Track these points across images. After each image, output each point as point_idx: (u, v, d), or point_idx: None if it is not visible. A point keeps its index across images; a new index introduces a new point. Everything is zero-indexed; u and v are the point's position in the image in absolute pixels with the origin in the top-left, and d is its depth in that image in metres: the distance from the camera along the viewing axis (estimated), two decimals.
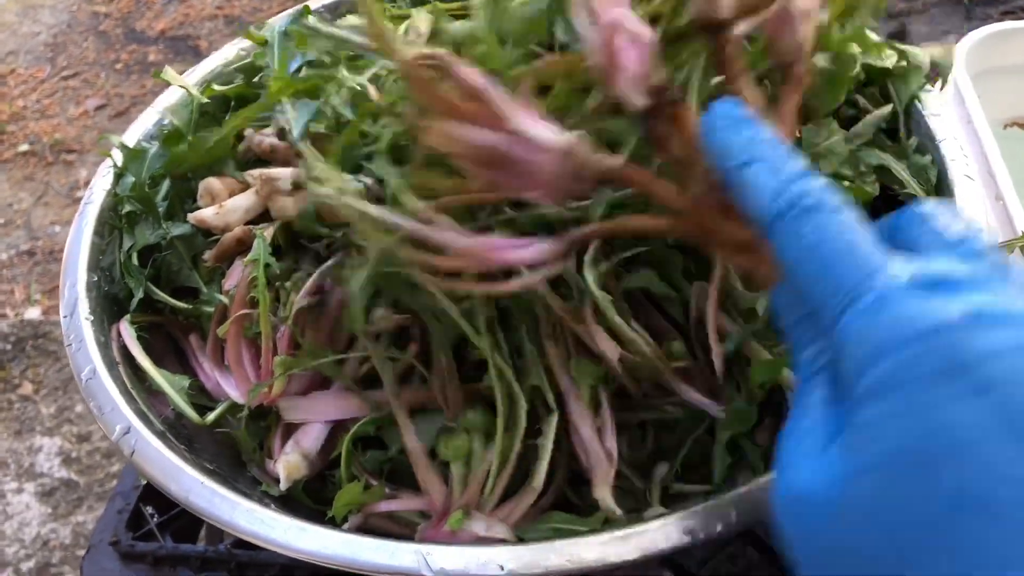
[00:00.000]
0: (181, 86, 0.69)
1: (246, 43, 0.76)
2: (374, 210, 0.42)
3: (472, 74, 0.40)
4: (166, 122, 0.68)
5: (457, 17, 0.62)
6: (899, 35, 2.00)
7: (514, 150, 0.39)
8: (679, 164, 0.39)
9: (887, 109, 0.63)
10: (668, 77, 0.40)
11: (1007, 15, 1.95)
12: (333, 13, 0.80)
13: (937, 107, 0.63)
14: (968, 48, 0.86)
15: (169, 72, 0.68)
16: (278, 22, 0.68)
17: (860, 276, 0.29)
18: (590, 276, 0.49)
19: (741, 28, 0.42)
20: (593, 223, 0.43)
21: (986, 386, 0.25)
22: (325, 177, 0.46)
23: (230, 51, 0.76)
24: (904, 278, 0.28)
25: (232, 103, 0.69)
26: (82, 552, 1.29)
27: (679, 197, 0.39)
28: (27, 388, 1.54)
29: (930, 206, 0.32)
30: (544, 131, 0.39)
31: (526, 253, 0.41)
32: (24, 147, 2.13)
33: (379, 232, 0.42)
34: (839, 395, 0.30)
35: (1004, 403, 0.25)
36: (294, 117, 0.58)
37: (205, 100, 0.69)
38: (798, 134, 0.48)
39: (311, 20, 0.65)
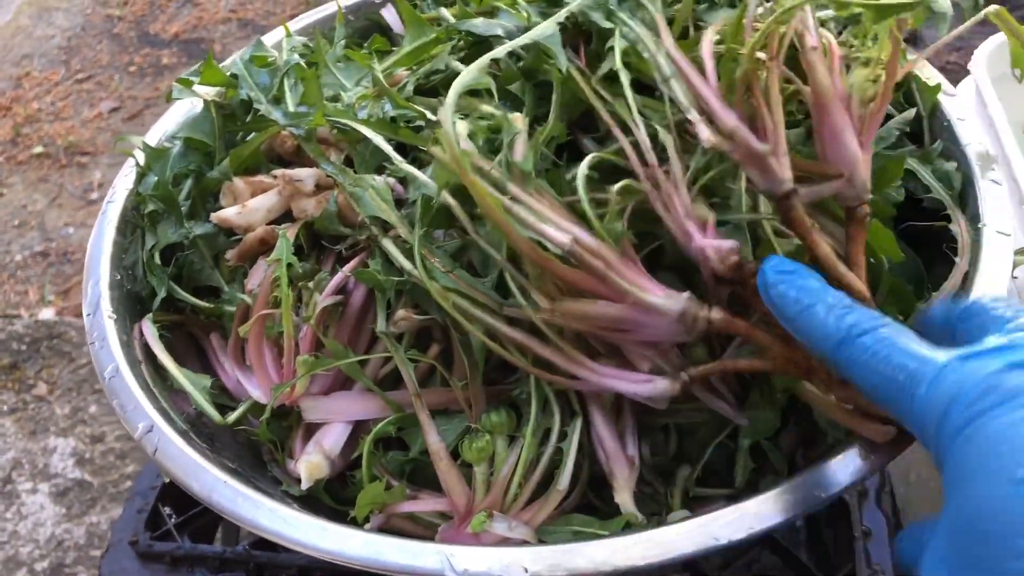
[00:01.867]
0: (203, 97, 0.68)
1: (275, 55, 0.76)
2: (507, 329, 0.49)
3: (595, 258, 0.46)
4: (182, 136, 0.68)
5: (481, 15, 0.63)
6: (911, 39, 2.00)
7: (636, 317, 0.46)
8: (766, 316, 0.46)
9: (911, 113, 0.63)
10: (742, 256, 0.47)
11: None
12: (356, 14, 0.80)
13: (962, 111, 0.62)
14: (988, 52, 0.86)
15: (192, 86, 0.68)
16: (237, 55, 0.69)
17: (918, 364, 0.37)
18: None
19: (804, 194, 0.47)
20: (711, 363, 0.49)
21: None
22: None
23: (247, 53, 0.76)
24: (952, 357, 0.36)
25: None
26: (96, 552, 1.29)
27: (774, 341, 0.46)
28: (42, 388, 1.54)
29: (988, 299, 0.41)
30: (659, 299, 0.46)
31: (645, 389, 0.48)
32: (38, 149, 2.14)
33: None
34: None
35: None
36: None
37: (224, 103, 0.68)
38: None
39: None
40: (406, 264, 0.52)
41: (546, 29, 0.53)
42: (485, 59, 0.48)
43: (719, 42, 0.51)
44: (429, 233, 0.51)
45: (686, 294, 0.47)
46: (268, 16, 2.49)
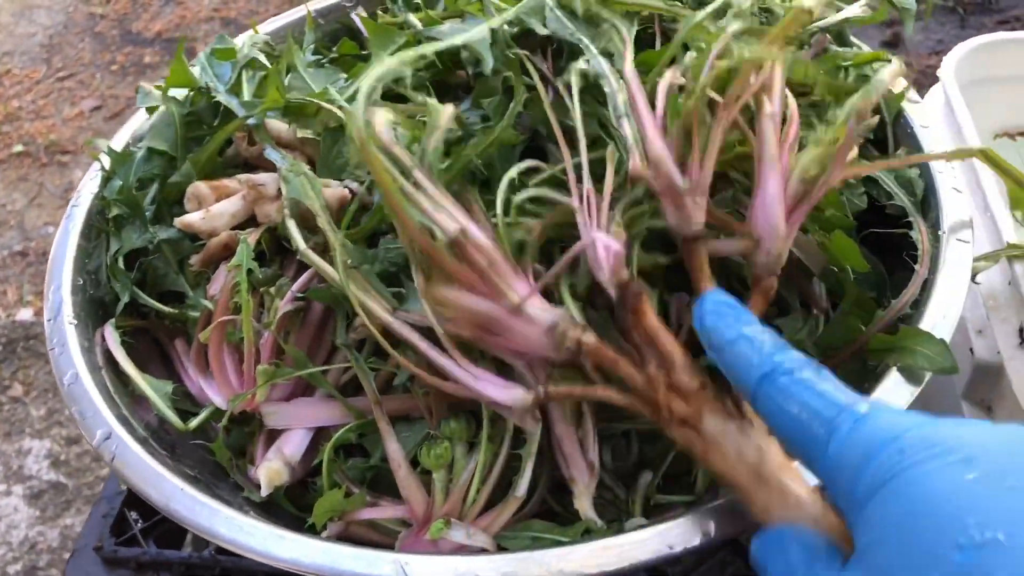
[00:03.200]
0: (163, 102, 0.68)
1: (239, 46, 0.76)
2: (399, 326, 0.49)
3: (479, 253, 0.45)
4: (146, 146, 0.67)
5: (449, 18, 0.63)
6: (893, 44, 2.01)
7: (507, 320, 0.46)
8: (639, 348, 0.45)
9: (874, 120, 0.63)
10: (630, 276, 0.47)
11: (1002, 25, 1.96)
12: (326, 18, 0.80)
13: (925, 118, 0.63)
14: (958, 58, 0.86)
15: (152, 92, 0.68)
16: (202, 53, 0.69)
17: (835, 412, 0.34)
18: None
19: (712, 243, 0.47)
20: (563, 387, 0.48)
21: (965, 456, 0.29)
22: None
23: (211, 47, 0.76)
24: (868, 407, 0.34)
25: (222, 108, 0.69)
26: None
27: (637, 375, 0.45)
28: (17, 390, 1.53)
29: None
30: (535, 308, 0.46)
31: (503, 395, 0.47)
32: (18, 148, 2.12)
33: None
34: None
35: (981, 465, 0.29)
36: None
37: (187, 111, 0.68)
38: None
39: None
40: (317, 261, 0.52)
41: (478, 32, 0.54)
42: (410, 53, 0.48)
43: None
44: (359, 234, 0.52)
45: (562, 310, 0.47)
46: (251, 15, 2.48)
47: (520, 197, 0.49)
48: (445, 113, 0.47)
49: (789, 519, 0.37)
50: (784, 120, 0.49)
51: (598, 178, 0.53)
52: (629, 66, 0.51)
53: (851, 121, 0.47)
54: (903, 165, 0.58)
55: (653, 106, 0.49)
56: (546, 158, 0.58)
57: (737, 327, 0.40)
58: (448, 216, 0.45)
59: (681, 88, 0.50)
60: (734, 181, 0.54)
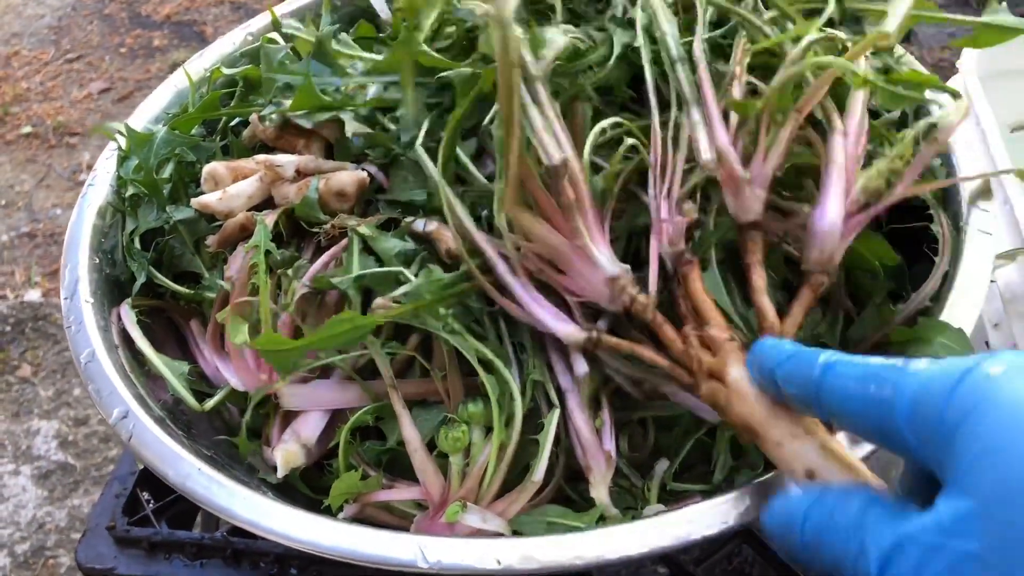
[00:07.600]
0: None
1: (253, 28, 0.76)
2: (481, 239, 0.51)
3: (570, 188, 0.47)
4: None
5: None
6: (905, 36, 2.00)
7: (574, 260, 0.48)
8: (683, 315, 0.48)
9: (896, 113, 0.63)
10: (686, 246, 0.49)
11: None
12: (343, 0, 0.79)
13: None
14: (978, 51, 0.85)
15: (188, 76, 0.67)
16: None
17: (896, 373, 0.34)
18: None
19: (770, 228, 0.50)
20: (612, 339, 0.49)
21: None
22: None
23: (238, 36, 0.76)
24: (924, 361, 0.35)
25: (237, 91, 0.69)
26: (77, 535, 1.29)
27: (676, 339, 0.47)
28: (26, 370, 1.53)
29: None
30: (602, 256, 0.48)
31: (560, 327, 0.49)
32: (27, 129, 2.12)
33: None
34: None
35: None
36: None
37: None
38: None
39: None
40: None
41: None
42: None
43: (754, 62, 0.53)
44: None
45: (627, 267, 0.49)
46: (260, 0, 2.47)
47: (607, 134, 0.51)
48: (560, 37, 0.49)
49: (815, 466, 0.38)
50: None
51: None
52: (699, 45, 0.53)
53: (925, 149, 0.49)
54: (949, 184, 0.58)
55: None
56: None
57: (784, 349, 0.40)
58: (555, 142, 0.46)
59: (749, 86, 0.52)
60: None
